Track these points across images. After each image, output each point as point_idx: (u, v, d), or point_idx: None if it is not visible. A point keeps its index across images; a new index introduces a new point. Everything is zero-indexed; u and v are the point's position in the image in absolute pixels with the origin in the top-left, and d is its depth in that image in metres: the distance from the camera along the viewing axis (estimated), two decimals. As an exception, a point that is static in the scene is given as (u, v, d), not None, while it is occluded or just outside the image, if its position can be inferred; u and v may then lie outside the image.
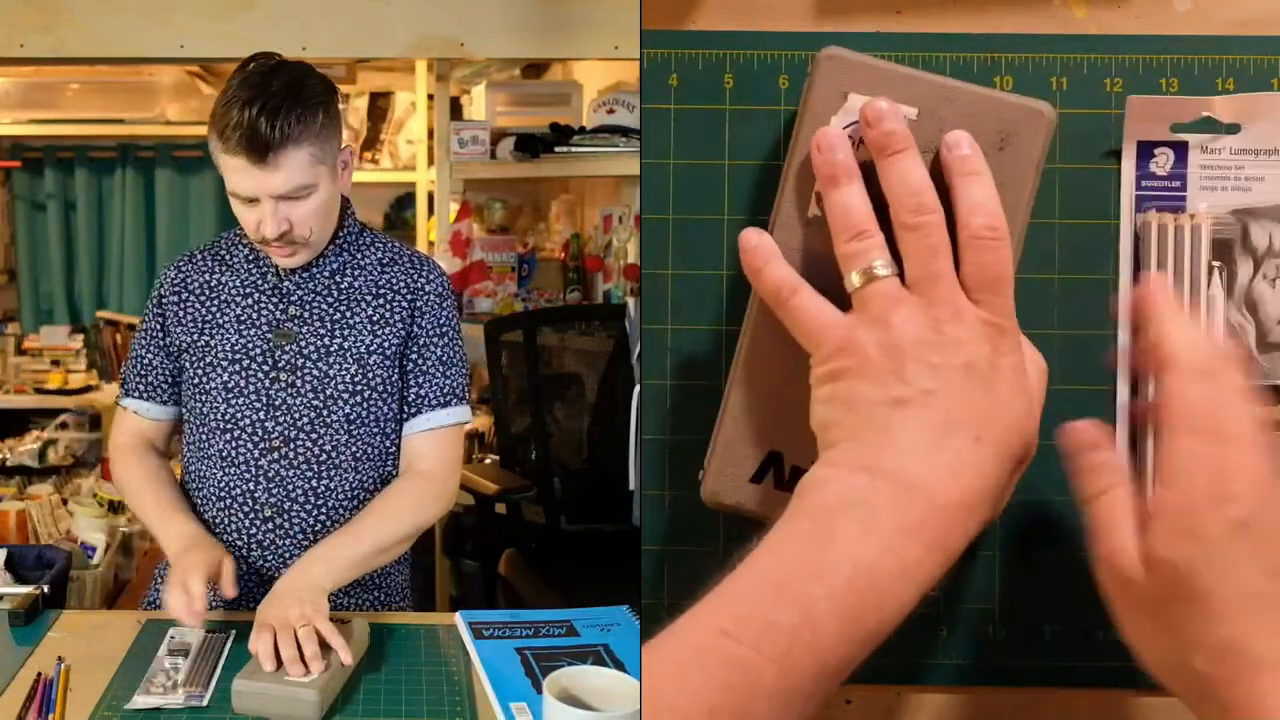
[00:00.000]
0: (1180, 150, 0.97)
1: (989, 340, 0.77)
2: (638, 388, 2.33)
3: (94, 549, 2.43)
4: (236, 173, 1.36)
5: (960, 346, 0.76)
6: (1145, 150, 0.97)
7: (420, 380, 1.49)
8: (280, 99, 1.34)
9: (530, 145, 3.00)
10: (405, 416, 1.51)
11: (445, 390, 1.50)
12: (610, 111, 3.08)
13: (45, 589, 1.46)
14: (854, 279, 0.79)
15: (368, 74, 4.14)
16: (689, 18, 1.01)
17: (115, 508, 2.76)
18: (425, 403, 1.50)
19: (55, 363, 4.25)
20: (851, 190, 0.81)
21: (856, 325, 0.79)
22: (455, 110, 3.50)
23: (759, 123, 1.00)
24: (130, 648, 1.31)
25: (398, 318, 1.48)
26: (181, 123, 4.40)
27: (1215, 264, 0.94)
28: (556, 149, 3.02)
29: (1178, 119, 0.97)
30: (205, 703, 1.19)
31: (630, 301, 2.80)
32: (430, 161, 3.88)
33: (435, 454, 1.50)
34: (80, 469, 3.60)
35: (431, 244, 3.81)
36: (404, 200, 4.49)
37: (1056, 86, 0.99)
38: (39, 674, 1.23)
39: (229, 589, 1.32)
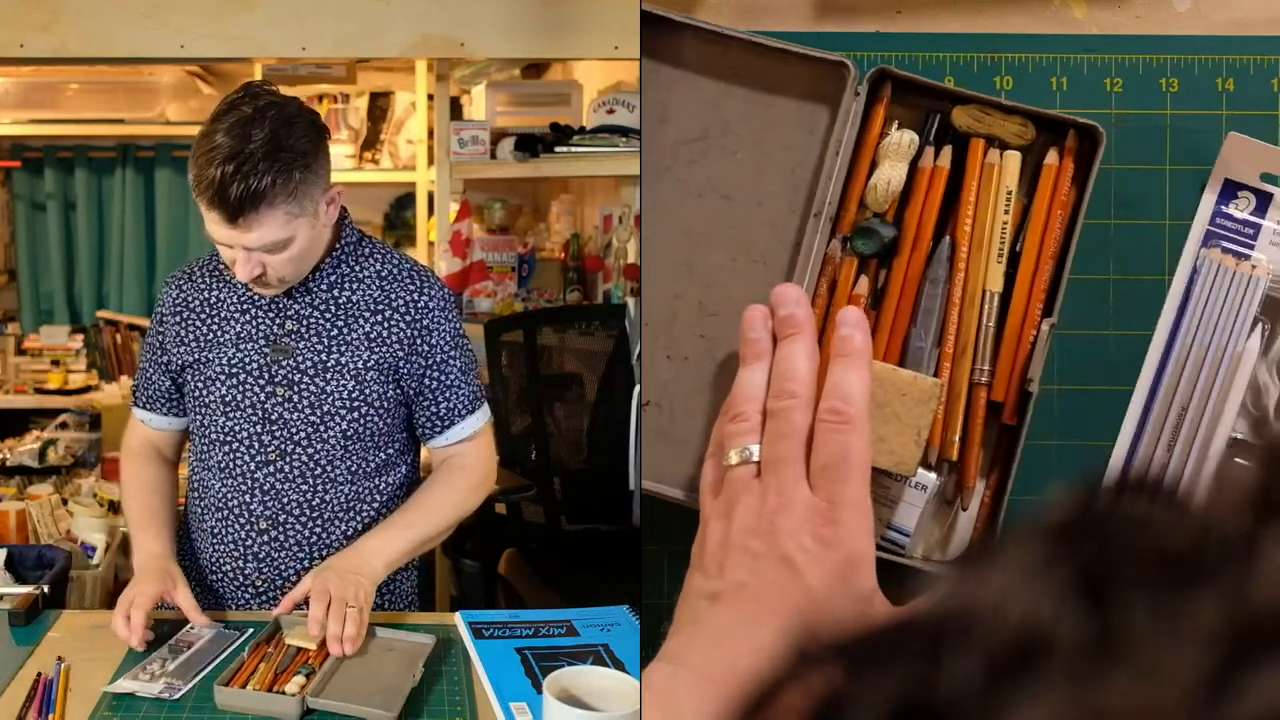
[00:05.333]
0: (1264, 200, 0.96)
1: (813, 532, 0.75)
2: (638, 388, 2.33)
3: (94, 549, 2.43)
4: (210, 222, 1.33)
5: (780, 537, 0.75)
6: (1230, 189, 0.96)
7: (447, 395, 1.50)
8: (256, 159, 1.28)
9: (530, 145, 3.00)
10: (434, 430, 1.52)
11: (470, 397, 1.53)
12: (610, 111, 3.08)
13: (45, 589, 1.46)
14: (730, 457, 0.80)
15: (368, 74, 4.14)
16: (689, 18, 1.00)
17: (115, 508, 2.76)
18: (455, 414, 1.51)
19: (55, 363, 4.25)
20: (754, 370, 0.82)
21: (710, 514, 0.80)
22: (455, 110, 3.50)
23: (759, 123, 1.00)
24: (130, 648, 1.31)
25: (395, 337, 1.46)
26: (181, 123, 4.39)
27: (1260, 318, 0.93)
28: (556, 149, 3.02)
29: (1270, 169, 0.96)
30: (176, 696, 1.21)
31: (630, 301, 2.80)
32: (430, 161, 3.88)
33: (474, 453, 1.55)
34: (80, 469, 3.60)
35: (431, 244, 3.81)
36: (404, 200, 4.48)
37: (1056, 86, 0.99)
38: (39, 674, 1.23)
39: (194, 616, 1.35)
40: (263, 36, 2.70)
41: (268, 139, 1.30)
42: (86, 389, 4.16)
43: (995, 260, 0.92)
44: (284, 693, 1.19)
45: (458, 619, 1.40)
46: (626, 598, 1.41)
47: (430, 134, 3.93)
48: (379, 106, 4.39)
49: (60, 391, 4.15)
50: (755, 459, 0.79)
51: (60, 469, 3.55)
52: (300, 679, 1.22)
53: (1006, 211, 0.92)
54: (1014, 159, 0.92)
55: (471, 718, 1.19)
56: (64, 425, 3.89)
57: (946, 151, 0.93)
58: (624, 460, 2.49)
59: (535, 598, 2.38)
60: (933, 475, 0.92)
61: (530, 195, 4.11)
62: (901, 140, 0.92)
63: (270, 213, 1.31)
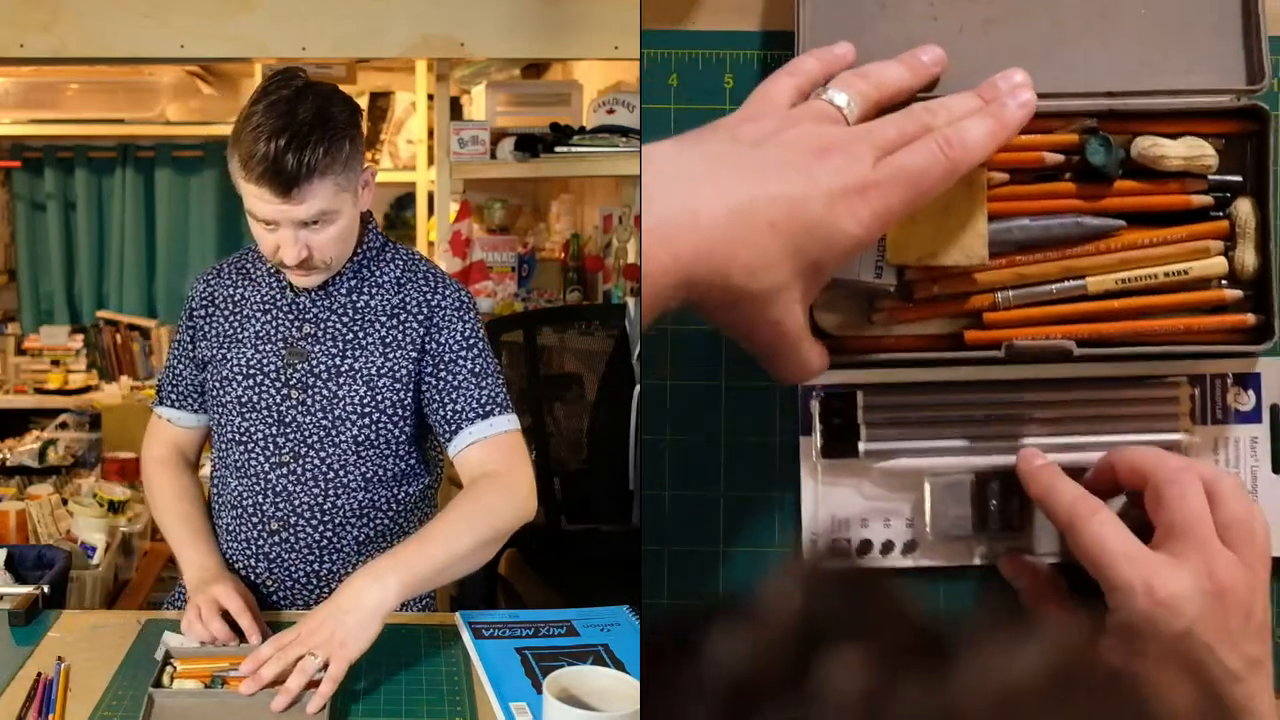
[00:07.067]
0: None
1: (848, 178, 0.76)
2: (638, 388, 2.33)
3: (94, 549, 2.42)
4: (257, 200, 1.33)
5: (820, 157, 0.77)
6: None
7: (454, 397, 1.43)
8: (307, 132, 1.30)
9: (530, 145, 3.00)
10: (445, 435, 1.44)
11: (483, 401, 1.43)
12: (610, 111, 3.08)
13: (45, 589, 1.45)
14: (830, 92, 0.82)
15: (368, 74, 4.14)
16: (689, 18, 1.01)
17: (115, 508, 2.75)
18: (464, 418, 1.42)
19: (55, 363, 4.25)
20: (915, 74, 0.87)
21: (768, 112, 0.82)
22: (455, 110, 3.50)
23: (759, 123, 1.00)
24: (130, 648, 1.31)
25: (409, 340, 1.44)
26: (181, 123, 4.40)
27: None
28: (556, 149, 3.02)
29: None
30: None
31: (630, 301, 2.80)
32: (430, 161, 3.88)
33: (492, 460, 1.41)
34: (80, 469, 3.59)
35: (431, 244, 3.81)
36: (404, 200, 4.48)
37: (1057, 86, 0.99)
38: (39, 674, 1.23)
39: (254, 636, 1.28)
40: (263, 36, 2.70)
41: (315, 113, 1.32)
42: (86, 389, 4.17)
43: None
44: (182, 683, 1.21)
45: (458, 619, 1.40)
46: (626, 598, 1.41)
47: (430, 134, 3.93)
48: (379, 106, 4.39)
49: (60, 391, 4.15)
50: (845, 108, 0.81)
51: (60, 469, 3.54)
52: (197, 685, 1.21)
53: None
54: None
55: (471, 718, 1.19)
56: (64, 425, 3.88)
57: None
58: (624, 460, 2.49)
59: (535, 598, 2.38)
60: None
61: (530, 195, 4.11)
62: None
63: (321, 183, 1.32)
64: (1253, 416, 0.96)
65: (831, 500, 0.98)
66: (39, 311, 4.70)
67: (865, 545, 0.98)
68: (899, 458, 0.97)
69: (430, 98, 3.77)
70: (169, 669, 1.22)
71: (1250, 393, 0.96)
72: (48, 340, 4.32)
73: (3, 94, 4.30)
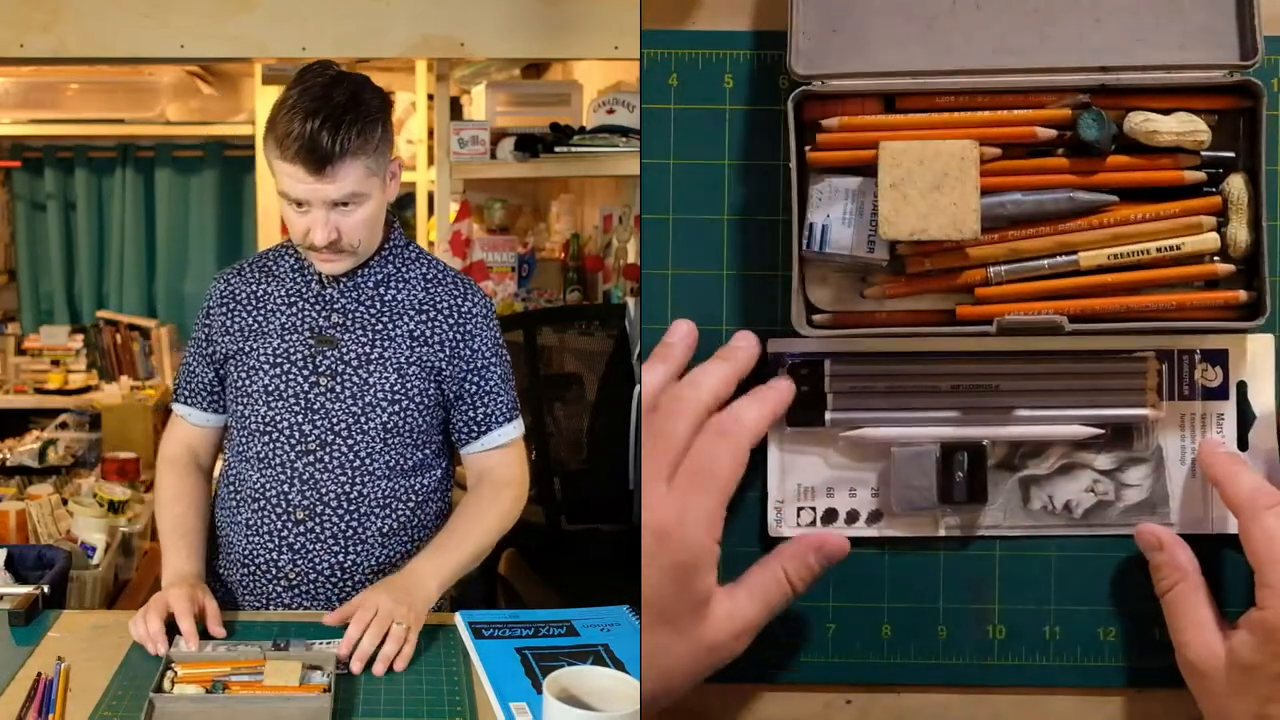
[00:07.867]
0: None
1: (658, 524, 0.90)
2: (638, 387, 2.33)
3: (94, 549, 2.43)
4: (291, 179, 1.38)
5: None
6: None
7: (485, 401, 1.53)
8: (341, 113, 1.36)
9: (530, 145, 3.00)
10: (469, 436, 1.54)
11: (509, 405, 1.55)
12: (610, 111, 3.08)
13: (45, 589, 1.46)
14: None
15: (368, 74, 4.13)
16: (689, 18, 1.01)
17: (115, 508, 2.76)
18: (493, 420, 1.54)
19: (55, 363, 4.26)
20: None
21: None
22: (455, 110, 3.50)
23: (759, 122, 1.00)
24: (130, 648, 1.31)
25: (438, 337, 1.49)
26: (181, 123, 4.40)
27: None
28: (556, 149, 3.02)
29: None
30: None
31: (630, 301, 2.80)
32: (430, 161, 3.88)
33: (509, 464, 1.57)
34: (80, 469, 3.60)
35: (432, 244, 3.81)
36: (404, 200, 4.47)
37: (1056, 86, 0.99)
38: (39, 674, 1.23)
39: (216, 629, 1.34)
40: (263, 36, 2.71)
41: (349, 97, 1.39)
42: (86, 389, 4.17)
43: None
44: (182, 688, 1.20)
45: (458, 619, 1.40)
46: (626, 598, 1.41)
47: (430, 134, 3.93)
48: (379, 106, 4.38)
49: (60, 391, 4.15)
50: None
51: (60, 469, 3.55)
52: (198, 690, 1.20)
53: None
54: None
55: (471, 718, 1.19)
56: (64, 425, 3.89)
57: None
58: (624, 460, 2.49)
59: (535, 598, 2.38)
60: None
61: (530, 195, 4.11)
62: None
63: (353, 163, 1.37)
64: (1220, 393, 0.97)
65: (797, 469, 0.98)
66: (39, 311, 4.71)
67: (831, 514, 0.98)
68: (865, 427, 0.97)
69: (430, 98, 3.77)
70: (170, 673, 1.22)
71: (1218, 369, 0.97)
72: (48, 340, 4.33)
73: (3, 94, 4.30)
